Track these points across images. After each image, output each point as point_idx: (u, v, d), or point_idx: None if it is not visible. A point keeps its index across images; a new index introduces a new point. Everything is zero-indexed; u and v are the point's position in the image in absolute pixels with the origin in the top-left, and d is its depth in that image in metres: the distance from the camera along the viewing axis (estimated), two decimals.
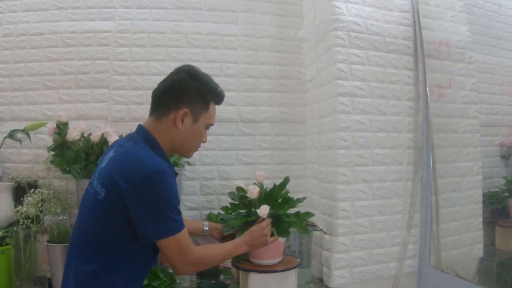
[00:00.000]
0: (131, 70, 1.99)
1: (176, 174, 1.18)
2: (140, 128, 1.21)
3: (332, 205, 1.74)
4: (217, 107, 1.33)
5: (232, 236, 1.46)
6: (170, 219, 1.07)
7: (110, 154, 1.14)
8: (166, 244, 1.08)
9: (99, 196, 1.08)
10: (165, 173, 1.07)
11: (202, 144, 1.29)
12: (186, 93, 1.19)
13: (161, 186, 1.05)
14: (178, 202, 1.10)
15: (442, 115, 1.85)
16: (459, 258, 1.78)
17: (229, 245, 1.31)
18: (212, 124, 1.29)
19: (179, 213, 1.11)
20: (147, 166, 1.06)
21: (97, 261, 1.06)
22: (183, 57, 2.01)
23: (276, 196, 1.52)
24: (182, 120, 1.19)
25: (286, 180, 1.55)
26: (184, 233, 1.10)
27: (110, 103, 1.96)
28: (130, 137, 1.20)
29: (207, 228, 1.53)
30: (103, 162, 1.15)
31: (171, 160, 1.79)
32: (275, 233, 1.42)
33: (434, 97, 1.84)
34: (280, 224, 1.43)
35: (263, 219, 1.39)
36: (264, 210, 1.39)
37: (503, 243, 1.71)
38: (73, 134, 1.67)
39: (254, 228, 1.37)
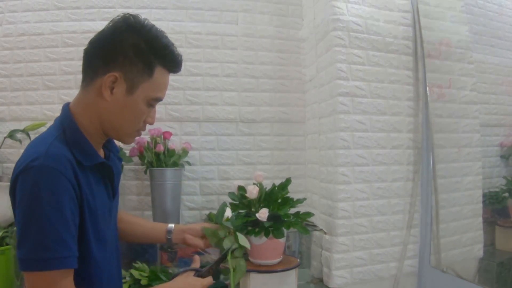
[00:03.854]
0: None
1: (107, 167, 0.90)
2: (62, 108, 0.90)
3: (332, 205, 1.74)
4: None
5: (208, 272, 1.17)
6: (36, 243, 0.72)
7: None
8: (27, 280, 0.74)
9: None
10: (47, 170, 0.74)
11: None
12: (119, 49, 0.85)
13: (33, 188, 0.73)
14: (61, 220, 0.74)
15: (442, 115, 1.85)
16: (459, 258, 1.77)
17: None
18: (159, 99, 0.92)
19: (59, 239, 0.73)
20: (26, 157, 0.77)
21: None
22: (183, 57, 2.00)
23: (276, 196, 1.52)
24: (112, 89, 0.85)
25: (288, 181, 1.55)
26: (60, 274, 0.73)
27: None
28: (52, 122, 0.92)
29: (171, 235, 1.14)
30: None
31: (171, 160, 1.79)
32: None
33: (434, 97, 1.84)
34: (278, 225, 1.43)
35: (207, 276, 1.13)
36: (263, 214, 1.39)
37: (503, 243, 1.71)
38: None
39: (188, 278, 1.05)
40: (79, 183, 0.80)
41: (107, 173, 0.92)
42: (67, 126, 0.85)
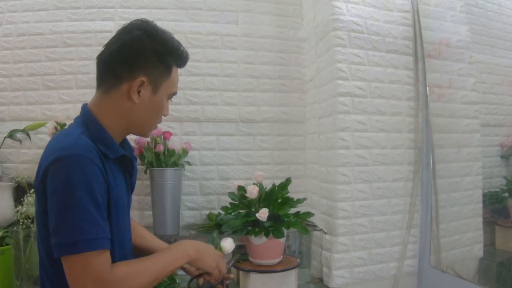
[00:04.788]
0: None
1: (130, 160, 0.96)
2: (82, 108, 0.96)
3: (332, 205, 1.74)
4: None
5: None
6: (74, 228, 0.76)
7: None
8: (66, 264, 0.78)
9: (36, 208, 0.86)
10: (79, 158, 0.79)
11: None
12: (142, 56, 0.91)
13: (67, 176, 0.77)
14: (94, 204, 0.79)
15: (442, 115, 1.85)
16: (459, 258, 1.78)
17: (166, 256, 0.94)
18: (175, 93, 1.02)
19: (94, 222, 0.78)
20: (57, 149, 0.81)
21: None
22: None
23: (276, 196, 1.52)
24: (139, 92, 0.92)
25: (288, 181, 1.55)
26: (97, 254, 0.78)
27: None
28: (73, 122, 0.97)
29: None
30: None
31: (171, 160, 1.80)
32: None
33: (434, 97, 1.84)
34: (278, 225, 1.43)
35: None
36: (263, 214, 1.39)
37: (503, 243, 1.71)
38: None
39: (211, 248, 1.06)
40: (106, 171, 0.86)
41: (128, 167, 0.99)
42: (90, 123, 0.91)
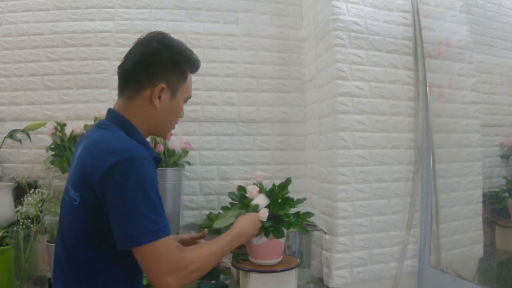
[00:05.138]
0: None
1: (159, 160, 1.07)
2: (110, 112, 1.06)
3: (332, 205, 1.74)
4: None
5: None
6: (147, 219, 0.87)
7: (79, 150, 0.99)
8: (141, 253, 0.88)
9: (74, 202, 0.93)
10: (142, 159, 0.90)
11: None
12: (161, 65, 1.03)
13: (135, 175, 0.88)
14: (158, 198, 0.91)
15: (442, 115, 1.85)
16: (459, 258, 1.78)
17: (223, 238, 1.11)
18: (190, 97, 1.15)
19: (160, 213, 0.90)
20: (118, 151, 0.90)
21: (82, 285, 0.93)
22: None
23: (276, 196, 1.52)
24: (159, 97, 1.03)
25: (288, 181, 1.55)
26: (166, 240, 0.89)
27: (110, 103, 1.96)
28: (99, 124, 1.05)
29: None
30: (74, 161, 1.00)
31: (171, 160, 1.80)
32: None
33: (434, 97, 1.84)
34: (278, 225, 1.43)
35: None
36: (263, 214, 1.39)
37: (503, 243, 1.71)
38: (77, 130, 1.70)
39: (247, 215, 1.28)
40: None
41: (158, 166, 1.07)
42: (127, 127, 1.02)
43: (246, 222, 1.26)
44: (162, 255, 0.88)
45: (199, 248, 1.06)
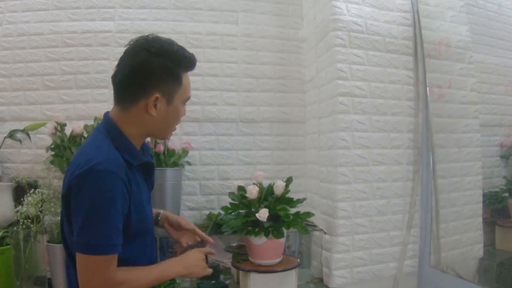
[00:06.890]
0: None
1: (150, 165, 1.08)
2: (105, 118, 1.06)
3: (332, 205, 1.74)
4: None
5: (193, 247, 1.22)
6: (93, 235, 0.89)
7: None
8: (79, 260, 0.91)
9: (63, 211, 0.98)
10: (100, 173, 0.90)
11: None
12: (153, 75, 1.00)
13: (89, 188, 0.89)
14: (110, 214, 0.91)
15: (442, 115, 1.85)
16: (459, 258, 1.78)
17: (159, 267, 1.06)
18: (189, 97, 1.12)
19: (118, 229, 0.92)
20: (85, 161, 0.92)
21: None
22: None
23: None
24: (155, 106, 1.02)
25: (289, 181, 1.55)
26: (105, 258, 0.90)
27: (110, 103, 1.95)
28: (97, 127, 1.07)
29: (158, 218, 1.27)
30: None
31: (171, 160, 1.80)
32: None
33: (434, 97, 1.84)
34: (278, 225, 1.43)
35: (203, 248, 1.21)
36: (263, 214, 1.39)
37: (503, 243, 1.71)
38: (77, 130, 1.70)
39: (192, 251, 1.16)
40: (129, 182, 0.98)
41: (148, 170, 1.11)
42: (114, 135, 1.02)
43: (190, 259, 1.13)
44: (99, 269, 0.91)
45: (135, 270, 1.01)
